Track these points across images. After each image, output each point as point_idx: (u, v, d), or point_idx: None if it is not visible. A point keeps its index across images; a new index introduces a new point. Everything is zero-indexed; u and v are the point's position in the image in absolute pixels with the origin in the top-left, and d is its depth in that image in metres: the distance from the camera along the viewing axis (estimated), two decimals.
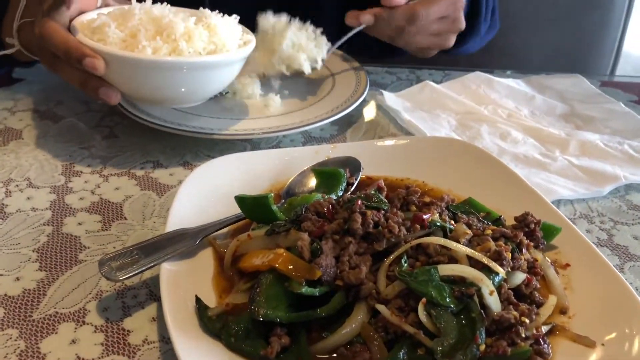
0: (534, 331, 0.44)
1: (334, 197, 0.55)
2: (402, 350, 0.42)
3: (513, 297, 0.46)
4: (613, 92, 0.92)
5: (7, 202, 0.60)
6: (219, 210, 0.56)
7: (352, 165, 0.63)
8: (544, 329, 0.45)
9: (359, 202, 0.49)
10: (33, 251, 0.54)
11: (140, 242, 0.49)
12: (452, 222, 0.51)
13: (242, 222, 0.55)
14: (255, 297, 0.44)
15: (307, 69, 0.79)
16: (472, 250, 0.47)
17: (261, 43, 0.77)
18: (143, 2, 0.69)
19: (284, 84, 0.83)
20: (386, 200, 0.51)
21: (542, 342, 0.43)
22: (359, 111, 0.83)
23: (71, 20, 0.65)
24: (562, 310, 0.47)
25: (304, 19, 0.80)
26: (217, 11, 0.72)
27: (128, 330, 0.47)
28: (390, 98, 0.84)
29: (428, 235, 0.49)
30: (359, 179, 0.62)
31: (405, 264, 0.46)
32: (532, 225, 0.53)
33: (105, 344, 0.45)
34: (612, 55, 1.38)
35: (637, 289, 0.52)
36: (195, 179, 0.58)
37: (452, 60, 1.06)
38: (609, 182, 0.66)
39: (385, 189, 0.57)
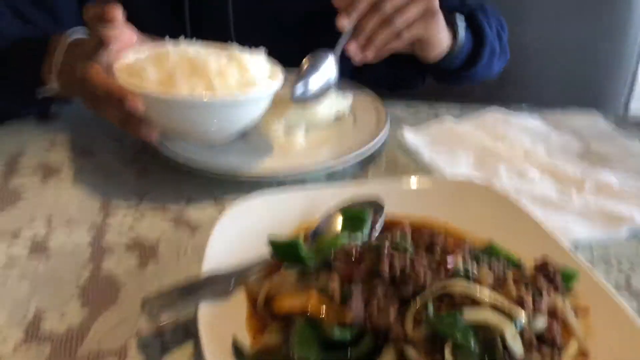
0: None
1: (360, 237, 0.58)
2: None
3: (535, 341, 0.48)
4: (629, 129, 0.94)
5: (50, 238, 0.64)
6: (250, 250, 0.58)
7: (376, 205, 0.65)
8: None
9: (386, 246, 0.52)
10: (76, 287, 0.57)
11: (178, 283, 0.52)
12: (475, 266, 0.54)
13: (275, 264, 0.57)
14: (289, 339, 0.47)
15: (332, 117, 0.83)
16: (496, 295, 0.49)
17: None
18: (176, 41, 0.73)
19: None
20: (412, 245, 0.54)
21: None
22: (379, 148, 0.85)
23: (111, 63, 0.69)
24: (582, 355, 0.49)
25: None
26: (241, 44, 0.75)
27: None
28: (409, 134, 0.87)
29: (452, 279, 0.51)
30: (383, 219, 0.64)
31: (431, 308, 0.49)
32: (552, 270, 0.55)
33: None
34: (626, 86, 1.40)
35: None
36: (227, 220, 0.61)
37: (467, 91, 1.09)
38: (626, 224, 0.68)
39: (410, 233, 0.59)
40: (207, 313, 0.50)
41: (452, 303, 0.50)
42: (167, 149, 0.76)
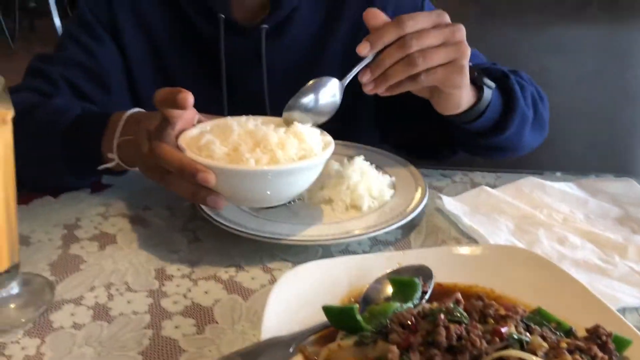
0: None
1: (411, 305, 0.60)
2: None
3: None
4: None
5: (111, 306, 0.67)
6: (304, 316, 0.60)
7: (424, 273, 0.67)
8: None
9: (441, 315, 0.53)
10: (138, 354, 0.59)
11: (240, 350, 0.54)
12: (527, 333, 0.55)
13: (328, 329, 0.59)
14: None
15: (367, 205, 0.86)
16: None
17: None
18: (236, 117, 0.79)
19: None
20: (466, 314, 0.55)
21: None
22: (419, 214, 0.88)
23: (174, 139, 0.74)
24: None
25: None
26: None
27: None
28: (449, 202, 0.90)
29: (506, 347, 0.52)
30: (432, 287, 0.66)
31: None
32: (604, 338, 0.55)
33: None
34: None
35: None
36: (281, 286, 0.63)
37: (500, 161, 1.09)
38: None
39: (463, 302, 0.61)
40: None
41: None
42: (218, 216, 0.79)
